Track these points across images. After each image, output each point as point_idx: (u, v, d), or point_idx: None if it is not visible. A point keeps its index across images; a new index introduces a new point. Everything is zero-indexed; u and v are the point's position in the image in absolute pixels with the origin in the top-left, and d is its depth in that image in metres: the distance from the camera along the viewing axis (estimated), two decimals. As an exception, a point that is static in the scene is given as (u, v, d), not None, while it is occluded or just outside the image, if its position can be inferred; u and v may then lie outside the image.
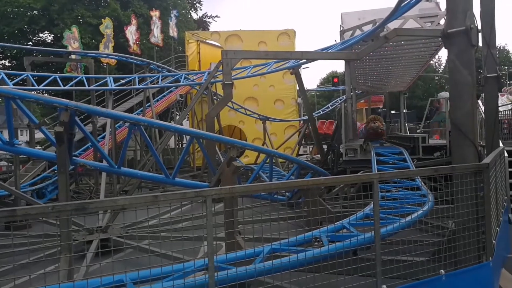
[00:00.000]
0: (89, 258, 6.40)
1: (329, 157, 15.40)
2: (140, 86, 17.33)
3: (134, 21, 22.17)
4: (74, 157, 6.59)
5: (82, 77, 15.30)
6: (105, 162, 6.84)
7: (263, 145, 20.58)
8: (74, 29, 19.05)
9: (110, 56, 19.12)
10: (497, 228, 4.94)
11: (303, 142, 24.43)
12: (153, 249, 4.96)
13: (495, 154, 5.46)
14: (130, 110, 19.42)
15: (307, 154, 27.11)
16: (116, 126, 16.11)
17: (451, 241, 4.15)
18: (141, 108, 18.87)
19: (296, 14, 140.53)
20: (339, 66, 62.64)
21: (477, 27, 4.46)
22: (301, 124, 23.80)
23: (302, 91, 15.21)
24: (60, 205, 2.69)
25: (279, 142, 22.38)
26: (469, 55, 4.45)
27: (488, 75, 7.27)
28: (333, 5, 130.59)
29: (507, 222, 7.20)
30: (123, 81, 16.85)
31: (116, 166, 6.53)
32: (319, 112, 28.30)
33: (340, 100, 24.84)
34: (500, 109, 12.37)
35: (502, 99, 30.93)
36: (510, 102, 12.36)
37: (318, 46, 18.90)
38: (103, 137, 15.52)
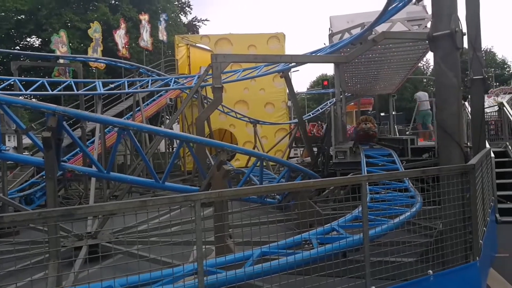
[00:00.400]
0: (78, 264, 6.34)
1: (319, 159, 15.47)
2: (130, 90, 17.23)
3: (123, 25, 22.07)
4: (62, 163, 6.54)
5: (70, 82, 15.16)
6: (94, 167, 6.81)
7: (254, 148, 20.59)
8: (62, 33, 18.91)
9: (99, 60, 18.99)
10: (484, 228, 5.01)
11: (293, 145, 24.51)
12: (142, 254, 4.94)
13: (481, 155, 5.54)
14: (120, 114, 19.32)
15: (297, 157, 27.20)
16: (105, 130, 16.02)
17: (439, 241, 4.20)
18: (131, 113, 18.79)
19: (285, 17, 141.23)
20: (329, 69, 63.09)
21: (461, 30, 4.53)
22: (291, 127, 23.90)
23: (292, 94, 15.27)
24: (46, 211, 2.67)
25: (270, 145, 22.42)
26: (454, 58, 4.51)
27: (474, 77, 7.39)
28: (322, 9, 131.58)
29: (494, 222, 7.30)
30: (112, 86, 16.73)
31: (105, 171, 6.49)
32: (309, 115, 28.41)
33: (330, 102, 24.97)
34: (487, 110, 12.56)
35: (489, 101, 31.39)
36: (496, 104, 12.53)
37: (307, 49, 19.10)
38: (93, 142, 15.42)
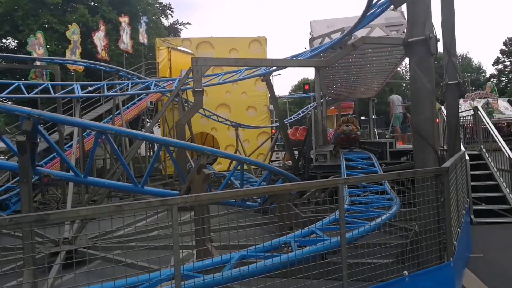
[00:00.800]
0: (55, 271, 6.21)
1: (300, 163, 15.56)
2: (109, 93, 17.05)
3: (102, 27, 21.83)
4: (38, 167, 6.42)
5: (47, 84, 14.89)
6: (71, 172, 6.69)
7: (235, 152, 20.58)
8: (39, 34, 18.59)
9: (78, 63, 18.73)
10: (459, 229, 5.13)
11: (275, 149, 24.59)
12: (119, 259, 4.88)
13: (455, 158, 5.67)
14: (99, 118, 19.05)
15: (279, 160, 27.31)
16: (84, 134, 15.78)
17: (414, 243, 4.27)
18: (111, 116, 18.56)
19: (267, 21, 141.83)
20: (310, 73, 63.52)
21: (435, 36, 4.65)
22: (273, 130, 23.99)
23: (273, 98, 15.34)
24: (18, 217, 2.62)
25: (252, 149, 22.44)
26: (429, 63, 4.62)
27: (449, 82, 7.59)
28: (303, 13, 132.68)
29: (469, 223, 7.49)
30: (91, 88, 16.52)
31: (83, 176, 6.39)
32: (291, 119, 28.59)
33: (311, 106, 25.18)
34: (463, 114, 12.87)
35: (465, 105, 32.22)
36: (472, 108, 12.84)
37: (288, 53, 19.30)
38: (71, 146, 15.17)
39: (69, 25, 20.60)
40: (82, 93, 15.07)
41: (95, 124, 6.72)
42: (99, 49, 21.18)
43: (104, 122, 18.36)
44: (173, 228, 3.02)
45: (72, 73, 20.32)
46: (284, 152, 25.85)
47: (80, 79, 21.28)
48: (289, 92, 61.03)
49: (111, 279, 2.90)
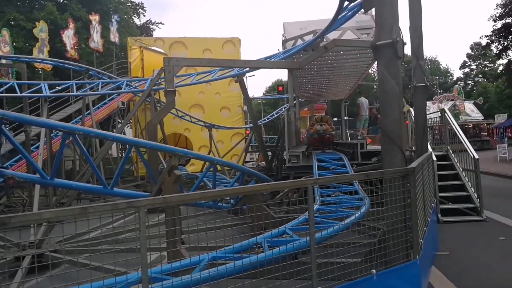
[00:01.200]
0: (20, 276, 6.00)
1: (273, 163, 15.61)
2: (78, 93, 16.62)
3: (71, 25, 21.32)
4: (2, 169, 6.19)
5: (13, 83, 14.39)
6: (38, 174, 6.49)
7: (209, 153, 20.47)
8: (5, 32, 17.96)
9: (45, 61, 18.16)
10: (425, 228, 5.26)
11: (249, 149, 24.61)
12: (86, 262, 4.75)
13: (422, 158, 5.82)
14: (68, 118, 18.60)
15: (253, 161, 27.34)
16: (52, 135, 15.34)
17: (382, 241, 4.35)
18: (80, 116, 18.13)
19: (241, 23, 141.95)
20: (284, 74, 63.91)
21: (402, 40, 4.76)
22: (247, 131, 24.00)
23: (246, 98, 15.33)
24: (-24, 221, 2.51)
25: (226, 150, 22.38)
26: (396, 66, 4.73)
27: (417, 84, 7.80)
28: (276, 15, 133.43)
29: (436, 222, 7.69)
30: (59, 88, 16.04)
31: (49, 178, 6.20)
32: (265, 120, 28.67)
33: (284, 108, 25.33)
34: (432, 116, 13.24)
35: (433, 107, 33.19)
36: (439, 110, 13.22)
37: (262, 55, 19.32)
38: (38, 147, 14.72)
39: (36, 23, 20.00)
40: (50, 93, 14.62)
41: (62, 124, 6.53)
42: (68, 48, 20.66)
43: (73, 123, 17.92)
44: (141, 231, 2.97)
45: (40, 72, 19.75)
46: (258, 153, 25.89)
47: (48, 78, 20.72)
48: (263, 93, 61.26)
49: (75, 284, 2.82)
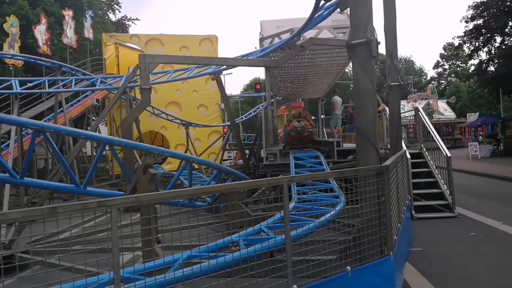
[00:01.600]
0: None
1: (251, 162, 15.62)
2: (51, 90, 16.22)
3: (44, 20, 20.76)
4: (-32, 168, 5.96)
5: (-18, 80, 13.94)
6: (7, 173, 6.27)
7: (186, 151, 20.32)
8: (-27, 26, 17.35)
9: (16, 57, 17.65)
10: (399, 225, 5.34)
11: (227, 148, 24.55)
12: (54, 262, 4.62)
13: (396, 156, 5.91)
14: (40, 115, 18.14)
15: (231, 159, 27.29)
16: (24, 133, 14.91)
17: (357, 238, 4.40)
18: (53, 114, 17.70)
19: (219, 20, 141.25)
20: (262, 73, 63.93)
21: (377, 39, 4.81)
22: (225, 129, 23.91)
23: (223, 96, 15.29)
24: None
25: (203, 148, 22.26)
26: (370, 65, 4.78)
27: (391, 83, 7.92)
28: (254, 13, 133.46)
29: (410, 218, 7.84)
30: (30, 84, 15.62)
31: (19, 177, 6.00)
32: (242, 118, 28.66)
33: (262, 106, 25.39)
34: (407, 114, 13.48)
35: (408, 106, 33.83)
36: (413, 109, 13.49)
37: (240, 53, 19.29)
38: (9, 145, 14.27)
39: (7, 17, 19.39)
40: (21, 89, 14.22)
41: (32, 122, 6.33)
42: (40, 43, 20.12)
43: (45, 120, 17.49)
44: (113, 230, 2.90)
45: (10, 68, 19.17)
46: (236, 151, 25.86)
47: (19, 74, 20.15)
48: (241, 91, 61.16)
49: (44, 285, 2.73)
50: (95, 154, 22.70)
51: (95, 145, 22.99)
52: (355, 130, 4.98)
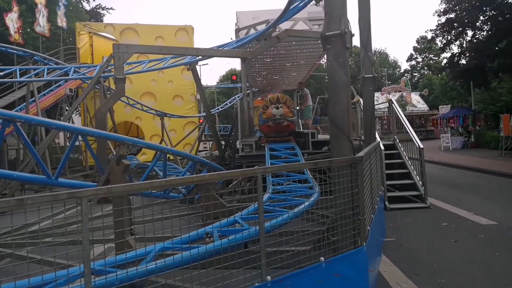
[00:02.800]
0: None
1: (226, 153, 15.59)
2: (22, 79, 15.75)
3: (15, 8, 20.06)
4: None
5: None
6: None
7: (161, 142, 20.09)
8: None
9: (-14, 46, 17.01)
10: (372, 215, 5.43)
11: (203, 138, 24.41)
12: (23, 255, 4.52)
13: (370, 147, 6.01)
14: (12, 105, 17.62)
15: (207, 150, 27.17)
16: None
17: (331, 229, 4.45)
18: (24, 103, 17.22)
19: (194, 10, 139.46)
20: (238, 64, 63.61)
21: (351, 31, 4.85)
22: (201, 120, 23.76)
23: (199, 87, 15.17)
24: None
25: (179, 139, 22.08)
26: (344, 57, 4.81)
27: (365, 75, 8.02)
28: (230, 3, 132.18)
29: (383, 209, 7.99)
30: (1, 74, 15.13)
31: (-14, 168, 5.83)
32: (218, 109, 28.51)
33: (238, 97, 25.29)
34: (381, 106, 13.68)
35: (382, 98, 34.34)
36: (386, 101, 13.69)
37: (215, 43, 19.10)
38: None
39: (-25, 4, 18.66)
40: (-10, 78, 13.76)
41: (1, 111, 6.13)
42: (11, 32, 19.47)
43: (16, 110, 16.97)
44: (83, 222, 2.85)
45: (-21, 56, 18.48)
46: (211, 142, 25.74)
47: (-12, 63, 19.43)
48: (217, 82, 60.77)
49: (11, 279, 2.66)
50: (68, 144, 22.22)
51: (68, 136, 22.51)
52: (329, 121, 5.02)
